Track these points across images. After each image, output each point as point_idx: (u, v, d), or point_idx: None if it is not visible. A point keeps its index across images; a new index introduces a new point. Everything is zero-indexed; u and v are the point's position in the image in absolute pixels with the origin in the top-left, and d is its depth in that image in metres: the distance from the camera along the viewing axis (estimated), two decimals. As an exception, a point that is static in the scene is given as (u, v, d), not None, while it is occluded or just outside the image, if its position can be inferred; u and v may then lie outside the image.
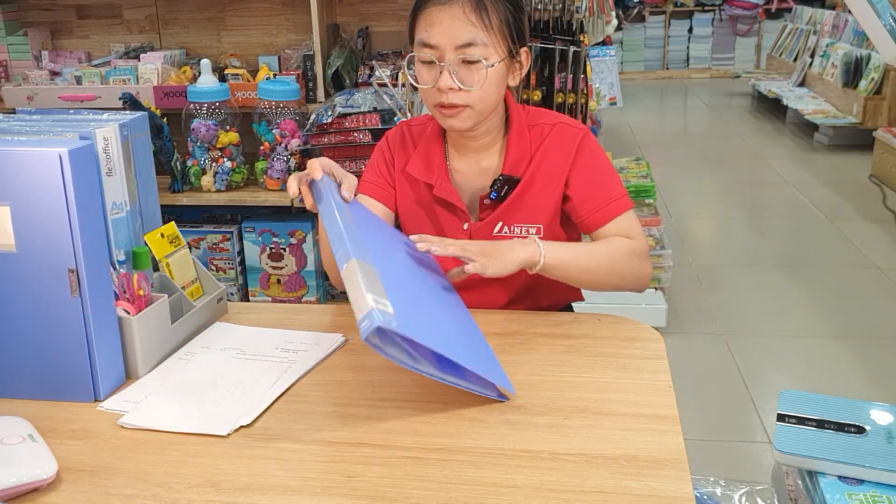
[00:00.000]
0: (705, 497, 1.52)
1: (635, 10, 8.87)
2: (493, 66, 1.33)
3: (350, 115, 2.44)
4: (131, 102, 2.49)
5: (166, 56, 2.74)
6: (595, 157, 1.43)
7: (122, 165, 1.21)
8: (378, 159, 1.53)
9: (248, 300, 2.74)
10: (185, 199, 2.59)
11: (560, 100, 2.53)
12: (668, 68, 9.23)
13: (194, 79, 2.66)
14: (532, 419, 1.06)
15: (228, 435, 1.04)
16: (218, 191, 2.60)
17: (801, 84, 7.09)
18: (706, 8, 9.06)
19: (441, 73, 1.33)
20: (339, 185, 1.23)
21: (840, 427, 1.08)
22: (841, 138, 5.89)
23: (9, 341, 1.12)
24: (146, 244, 1.27)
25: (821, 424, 1.09)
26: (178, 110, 2.60)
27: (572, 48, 2.48)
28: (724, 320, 3.24)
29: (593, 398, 1.11)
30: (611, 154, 3.17)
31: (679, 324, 3.19)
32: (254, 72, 2.73)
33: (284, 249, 2.69)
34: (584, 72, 2.53)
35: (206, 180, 2.59)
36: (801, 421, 1.10)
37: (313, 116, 2.47)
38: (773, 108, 7.16)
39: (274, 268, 2.71)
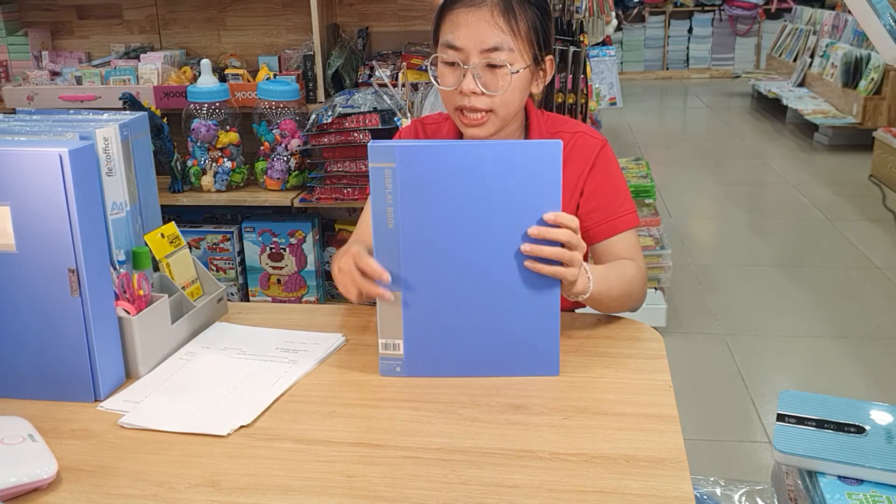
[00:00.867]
0: (705, 497, 1.52)
1: (635, 11, 8.88)
2: (517, 72, 1.30)
3: (350, 115, 2.44)
4: (131, 102, 2.49)
5: (166, 56, 2.74)
6: (610, 169, 1.42)
7: (122, 165, 1.21)
8: None
9: (248, 300, 2.74)
10: (185, 199, 2.59)
11: (560, 100, 2.53)
12: (667, 68, 9.23)
13: (194, 79, 2.66)
14: (532, 419, 1.06)
15: (228, 435, 1.04)
16: (218, 191, 2.60)
17: (801, 84, 7.09)
18: (706, 8, 9.06)
19: (465, 75, 1.30)
20: None
21: (840, 427, 1.08)
22: (841, 138, 5.89)
23: (9, 341, 1.12)
24: (146, 244, 1.27)
25: (820, 424, 1.09)
26: (178, 110, 2.60)
27: (572, 48, 2.49)
28: (723, 320, 3.24)
29: (593, 398, 1.11)
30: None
31: (679, 324, 3.19)
32: (254, 72, 2.73)
33: (284, 249, 2.69)
34: (584, 72, 2.53)
35: (206, 180, 2.59)
36: (800, 421, 1.10)
37: (313, 116, 2.47)
38: (772, 108, 7.16)
39: (274, 268, 2.71)
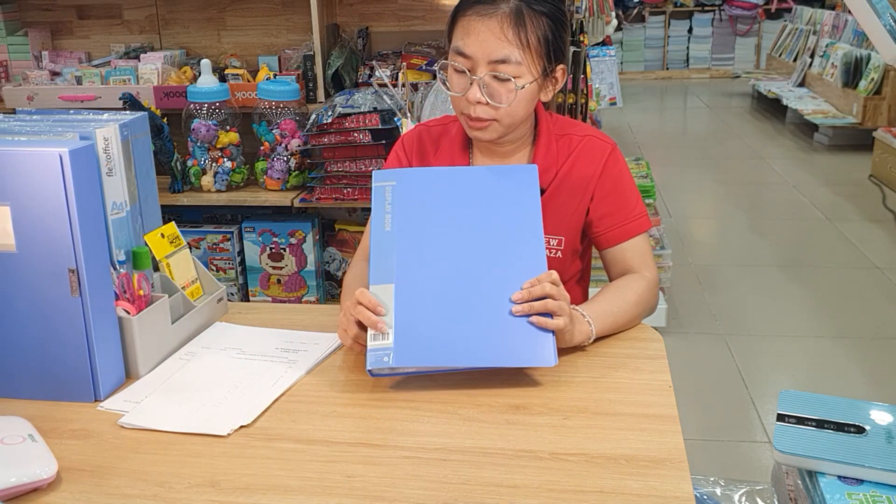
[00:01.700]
0: (705, 497, 1.52)
1: (635, 11, 8.88)
2: (523, 87, 1.30)
3: (350, 115, 2.44)
4: (131, 102, 2.49)
5: (166, 56, 2.74)
6: (620, 173, 1.42)
7: (122, 165, 1.21)
8: (393, 163, 1.50)
9: (248, 300, 2.74)
10: (185, 199, 2.59)
11: (560, 100, 2.53)
12: (667, 68, 9.24)
13: (194, 79, 2.66)
14: (532, 419, 1.06)
15: (228, 435, 1.04)
16: (218, 191, 2.60)
17: (801, 84, 7.09)
18: (706, 8, 9.06)
19: (472, 84, 1.30)
20: None
21: (840, 427, 1.08)
22: (841, 138, 5.89)
23: (9, 341, 1.12)
24: (146, 244, 1.27)
25: (820, 424, 1.09)
26: (179, 110, 2.60)
27: (572, 48, 2.49)
28: (723, 320, 3.24)
29: (593, 398, 1.11)
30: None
31: (679, 324, 3.19)
32: (254, 72, 2.73)
33: (284, 249, 2.69)
34: (584, 72, 2.53)
35: (206, 180, 2.59)
36: (800, 421, 1.10)
37: (313, 116, 2.47)
38: (772, 108, 7.16)
39: (274, 268, 2.71)
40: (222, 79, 2.64)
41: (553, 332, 1.15)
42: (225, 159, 2.59)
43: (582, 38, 2.65)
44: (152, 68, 2.67)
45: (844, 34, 6.66)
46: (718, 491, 1.54)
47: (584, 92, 2.55)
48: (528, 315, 1.14)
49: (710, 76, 9.15)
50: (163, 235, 1.31)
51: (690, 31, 9.17)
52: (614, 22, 4.93)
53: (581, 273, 1.51)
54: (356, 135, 2.45)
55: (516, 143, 1.43)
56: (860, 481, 1.03)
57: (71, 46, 2.96)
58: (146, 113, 1.34)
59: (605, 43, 4.43)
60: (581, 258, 1.49)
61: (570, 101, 2.53)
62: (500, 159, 1.44)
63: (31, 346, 1.12)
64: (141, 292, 1.20)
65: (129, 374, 1.19)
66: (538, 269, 1.18)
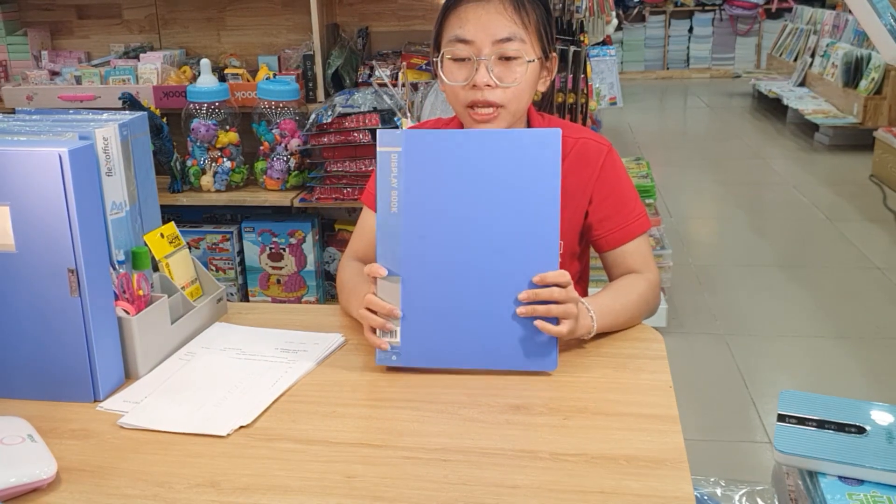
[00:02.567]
0: (705, 497, 1.51)
1: (635, 10, 8.88)
2: (532, 61, 1.30)
3: (350, 114, 2.44)
4: (131, 102, 2.49)
5: (166, 56, 2.74)
6: (618, 174, 1.41)
7: (121, 165, 1.21)
8: None
9: (247, 300, 2.74)
10: (184, 199, 2.59)
11: (560, 100, 2.53)
12: (668, 68, 9.23)
13: (194, 79, 2.66)
14: (532, 419, 1.06)
15: (228, 435, 1.04)
16: (218, 191, 2.60)
17: (802, 84, 7.09)
18: (706, 8, 9.06)
19: (477, 69, 1.28)
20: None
21: (840, 427, 1.08)
22: (841, 138, 5.89)
23: (9, 341, 1.12)
24: (146, 244, 1.27)
25: (821, 424, 1.09)
26: (178, 110, 2.60)
27: (572, 48, 2.49)
28: (724, 320, 3.24)
29: (593, 398, 1.11)
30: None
31: (679, 324, 3.19)
32: (254, 72, 2.73)
33: (284, 249, 2.69)
34: (584, 72, 2.53)
35: (206, 180, 2.59)
36: (801, 421, 1.10)
37: (313, 116, 2.47)
38: (773, 108, 7.16)
39: (274, 268, 2.71)
40: (222, 78, 2.64)
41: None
42: (224, 159, 2.59)
43: (582, 38, 2.65)
44: (152, 68, 2.67)
45: (845, 34, 6.66)
46: (719, 491, 1.54)
47: (585, 92, 2.54)
48: (533, 318, 1.15)
49: (710, 76, 9.15)
50: (162, 235, 1.31)
51: (691, 30, 9.17)
52: (614, 21, 4.94)
53: (580, 274, 1.51)
54: (356, 135, 2.45)
55: None
56: (861, 482, 1.03)
57: (70, 46, 2.96)
58: (146, 113, 1.34)
59: (606, 43, 4.43)
60: (579, 259, 1.49)
61: (570, 100, 2.53)
62: None
63: (31, 347, 1.12)
64: (140, 292, 1.20)
65: (128, 375, 1.19)
66: (550, 257, 1.15)
